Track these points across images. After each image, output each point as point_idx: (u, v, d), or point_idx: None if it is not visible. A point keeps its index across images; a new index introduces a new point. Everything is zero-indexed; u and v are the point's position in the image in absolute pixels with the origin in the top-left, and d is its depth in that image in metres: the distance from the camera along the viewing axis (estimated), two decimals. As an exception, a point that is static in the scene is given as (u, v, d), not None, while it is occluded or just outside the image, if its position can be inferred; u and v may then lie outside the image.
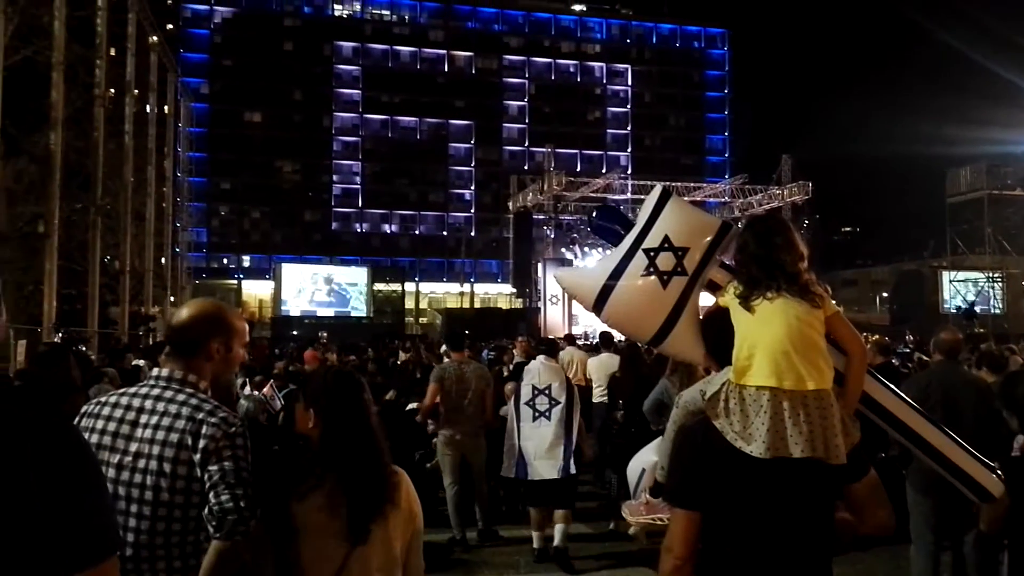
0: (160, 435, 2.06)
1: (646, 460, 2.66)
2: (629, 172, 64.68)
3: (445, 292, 65.85)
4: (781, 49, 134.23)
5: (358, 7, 68.76)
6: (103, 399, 2.19)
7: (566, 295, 28.13)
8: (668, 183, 36.04)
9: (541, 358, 6.59)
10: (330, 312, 37.94)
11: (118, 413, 2.11)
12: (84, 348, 15.02)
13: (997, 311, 42.83)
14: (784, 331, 2.28)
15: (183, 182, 36.06)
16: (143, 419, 2.10)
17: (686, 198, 39.14)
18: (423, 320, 54.80)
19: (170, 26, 60.06)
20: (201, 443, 2.03)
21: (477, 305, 59.68)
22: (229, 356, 2.26)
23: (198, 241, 58.32)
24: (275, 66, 65.65)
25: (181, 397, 2.13)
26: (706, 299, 2.60)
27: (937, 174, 52.32)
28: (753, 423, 2.23)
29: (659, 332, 2.54)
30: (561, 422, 6.12)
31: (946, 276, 43.17)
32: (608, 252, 2.69)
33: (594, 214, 3.05)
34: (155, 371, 2.22)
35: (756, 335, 2.31)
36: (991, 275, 43.25)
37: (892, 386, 2.54)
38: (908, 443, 2.49)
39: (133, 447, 2.07)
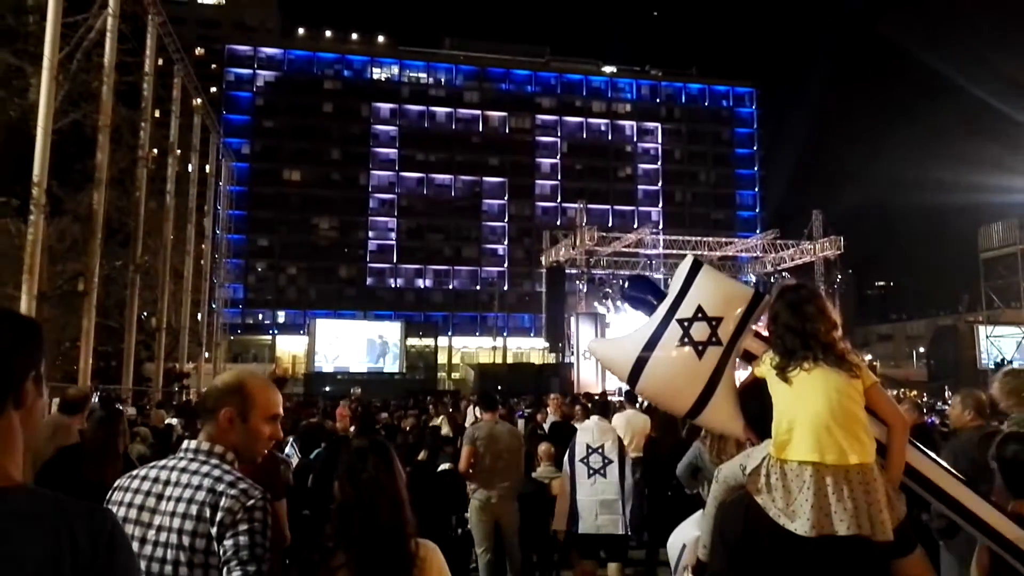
0: (181, 507, 2.04)
1: (687, 535, 2.58)
2: (660, 227, 64.73)
3: (478, 347, 65.77)
4: (810, 104, 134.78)
5: (396, 70, 70.58)
6: (136, 472, 2.18)
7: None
8: (698, 249, 36.32)
9: (595, 418, 6.78)
10: (363, 368, 37.99)
11: (146, 486, 2.11)
12: (120, 406, 15.14)
13: (1033, 367, 41.60)
14: (824, 404, 2.23)
15: (222, 239, 36.77)
16: (167, 491, 2.08)
17: (717, 253, 39.08)
18: (456, 375, 54.67)
19: (214, 89, 62.22)
20: (218, 516, 2.00)
21: (509, 360, 59.51)
22: (247, 428, 2.19)
23: (234, 297, 59.09)
24: (314, 126, 67.30)
25: (205, 469, 2.10)
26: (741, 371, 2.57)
27: (970, 226, 51.67)
28: (796, 499, 2.17)
29: (696, 404, 2.49)
30: (616, 480, 6.27)
31: (983, 331, 42.29)
32: (642, 323, 2.66)
33: (625, 285, 3.04)
34: (184, 443, 2.21)
35: (795, 408, 2.26)
36: (1030, 330, 42.25)
37: (934, 455, 2.48)
38: (954, 514, 2.40)
39: (156, 520, 2.05)
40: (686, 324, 2.48)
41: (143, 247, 20.85)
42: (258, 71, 67.82)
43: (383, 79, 70.03)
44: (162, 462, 2.19)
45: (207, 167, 32.21)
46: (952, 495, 2.38)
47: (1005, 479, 2.57)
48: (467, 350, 64.86)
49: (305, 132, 67.14)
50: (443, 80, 71.41)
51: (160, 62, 23.97)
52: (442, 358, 53.09)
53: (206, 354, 30.35)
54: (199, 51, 66.45)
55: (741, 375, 2.57)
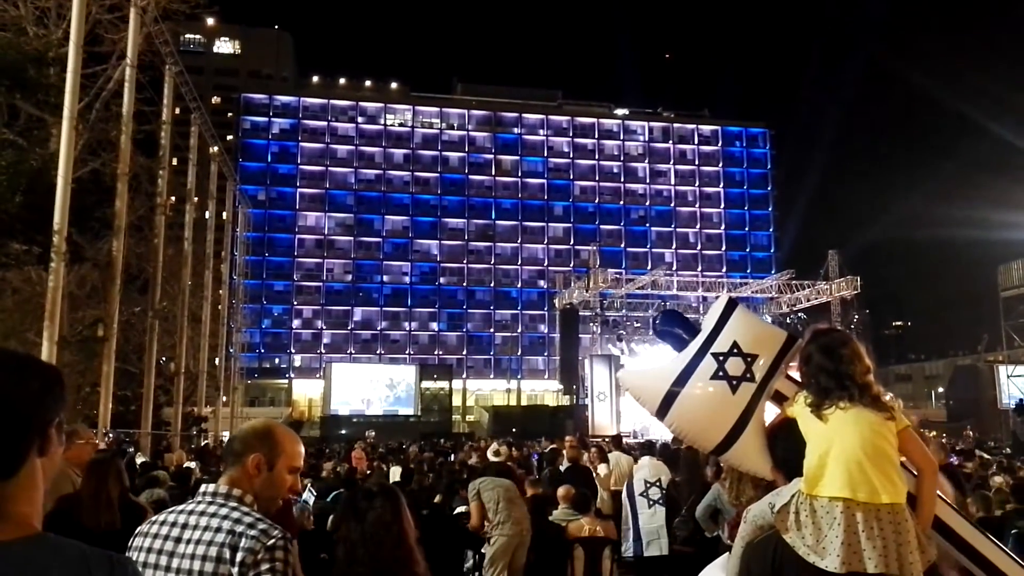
0: (200, 550, 2.03)
1: (713, 579, 2.53)
2: (674, 269, 64.82)
3: (492, 389, 65.59)
4: (824, 144, 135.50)
5: (408, 116, 71.66)
6: (156, 517, 2.19)
7: (614, 392, 27.82)
8: (712, 291, 36.27)
9: (648, 458, 8.05)
10: (379, 411, 37.92)
11: (164, 531, 2.11)
12: (134, 450, 15.15)
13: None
14: (858, 441, 2.24)
15: (238, 285, 37.11)
16: (187, 535, 2.07)
17: (732, 295, 39.24)
18: (470, 418, 54.41)
19: (230, 137, 63.41)
20: (239, 556, 1.98)
21: (524, 402, 59.21)
22: (272, 476, 2.20)
23: (251, 342, 59.39)
24: (328, 173, 68.32)
25: (224, 511, 2.10)
26: (769, 412, 2.56)
27: (987, 264, 51.38)
28: (827, 536, 2.15)
29: (725, 440, 2.47)
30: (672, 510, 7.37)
31: (1003, 371, 41.79)
32: (673, 357, 2.66)
33: (657, 320, 3.07)
34: (202, 487, 2.21)
35: (829, 444, 2.26)
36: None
37: (957, 508, 2.46)
38: (979, 570, 2.37)
39: (175, 563, 2.04)
40: (721, 358, 2.48)
41: (161, 293, 21.04)
42: (273, 119, 69.09)
43: (396, 125, 71.12)
44: (181, 507, 2.19)
45: (224, 214, 32.65)
46: (977, 548, 2.34)
47: None
48: (481, 392, 64.65)
49: (319, 178, 68.15)
50: (456, 125, 72.40)
51: (177, 111, 24.50)
52: (456, 401, 52.93)
53: (224, 398, 30.41)
54: (215, 100, 67.95)
55: (767, 418, 2.56)
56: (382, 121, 70.84)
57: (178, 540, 2.07)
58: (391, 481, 9.59)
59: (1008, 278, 49.30)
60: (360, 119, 70.48)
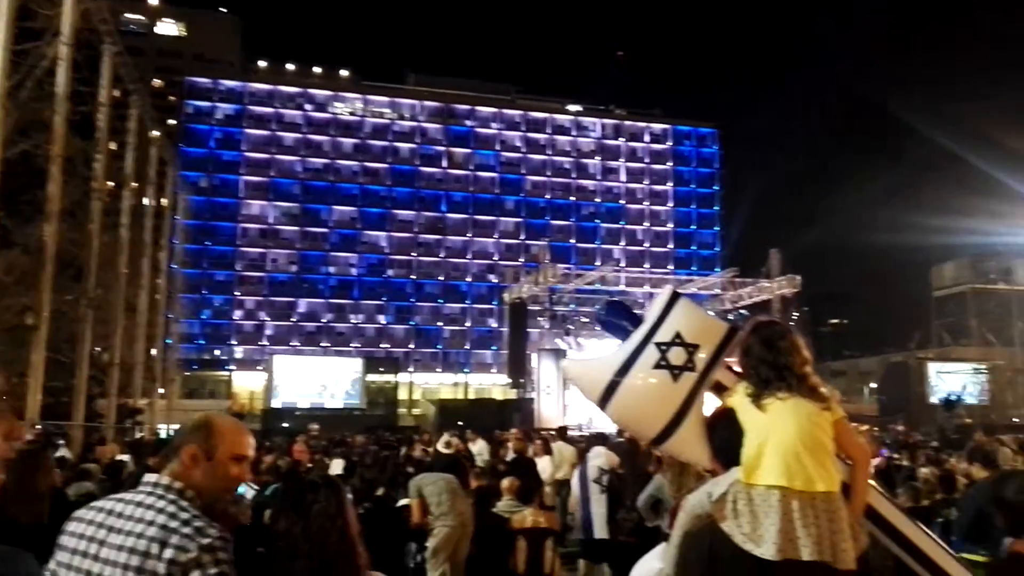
0: (129, 541, 1.93)
1: (650, 568, 2.54)
2: (623, 265, 65.50)
3: (440, 383, 65.39)
4: (771, 145, 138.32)
5: (359, 106, 70.73)
6: (95, 503, 2.10)
7: (561, 386, 27.99)
8: (656, 277, 36.79)
9: (601, 448, 8.34)
10: (322, 404, 37.44)
11: (100, 518, 2.02)
12: (64, 442, 14.66)
13: (983, 402, 42.94)
14: (795, 431, 2.26)
15: (177, 274, 36.19)
16: (119, 524, 1.98)
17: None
18: (417, 411, 54.13)
19: (172, 121, 61.72)
20: (167, 553, 1.89)
21: (471, 396, 59.12)
22: (213, 467, 2.10)
23: (190, 333, 58.12)
24: (274, 161, 67.07)
25: (161, 504, 2.00)
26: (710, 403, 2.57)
27: (922, 266, 53.31)
28: (763, 524, 2.18)
29: (665, 429, 2.48)
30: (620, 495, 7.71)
31: (932, 368, 43.37)
32: (616, 347, 2.66)
33: (602, 310, 3.07)
34: (146, 477, 2.12)
35: (767, 433, 2.28)
36: (977, 367, 43.51)
37: (890, 496, 2.56)
38: (908, 557, 2.41)
39: (104, 553, 1.95)
40: (663, 348, 2.50)
41: (96, 281, 20.35)
42: (218, 104, 67.40)
43: (345, 114, 70.12)
44: (121, 495, 2.11)
45: (163, 200, 31.76)
46: (909, 536, 2.40)
47: (1006, 519, 2.56)
48: (429, 386, 64.36)
49: (265, 166, 66.86)
50: (407, 115, 71.68)
51: (117, 93, 23.70)
52: (403, 394, 52.58)
53: (160, 390, 29.65)
54: (157, 82, 66.06)
55: (707, 408, 2.57)
56: (331, 109, 69.73)
57: (111, 529, 1.99)
58: (332, 474, 9.46)
59: (940, 279, 51.25)
60: (308, 107, 69.24)
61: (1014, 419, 40.05)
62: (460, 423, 24.28)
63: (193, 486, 2.07)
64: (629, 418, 2.59)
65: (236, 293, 65.11)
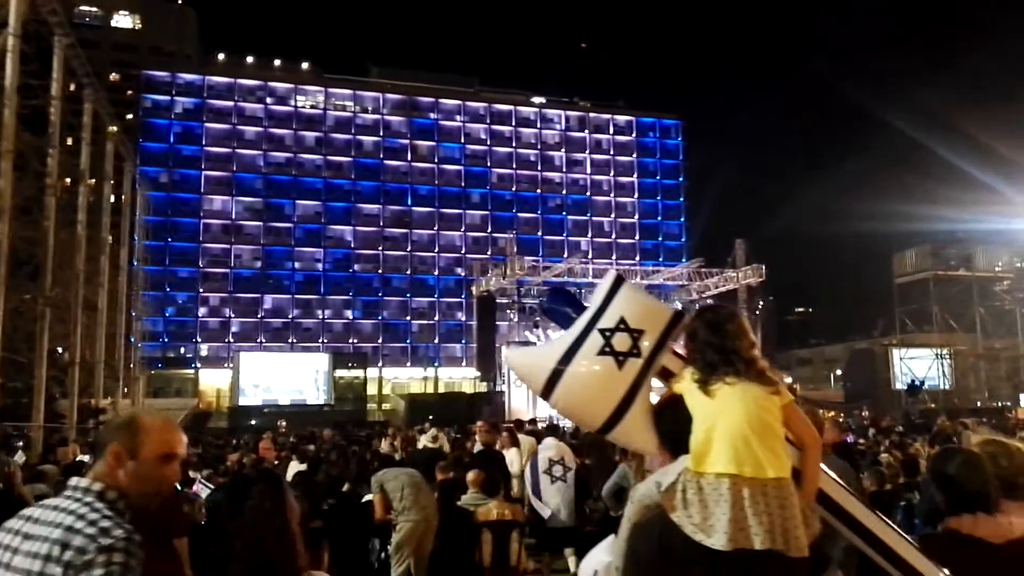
0: (36, 546, 1.86)
1: (599, 561, 2.48)
2: (590, 256, 65.69)
3: (409, 377, 65.12)
4: (735, 136, 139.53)
5: (321, 99, 69.85)
6: (24, 511, 2.02)
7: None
8: (624, 268, 36.93)
9: (552, 439, 8.84)
10: (290, 400, 37.16)
11: (18, 524, 1.96)
12: (22, 444, 14.32)
13: (946, 387, 43.85)
14: (744, 416, 2.21)
15: (138, 271, 35.54)
16: (34, 530, 1.91)
17: (645, 282, 39.83)
18: (386, 406, 53.88)
19: (130, 116, 60.49)
20: (66, 555, 1.81)
21: (441, 389, 58.98)
22: (138, 466, 2.03)
23: (154, 330, 57.19)
24: (236, 155, 66.03)
25: (75, 506, 1.93)
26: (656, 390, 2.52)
27: (885, 254, 54.16)
28: (713, 513, 2.13)
29: (611, 417, 2.42)
30: (573, 484, 8.05)
31: (896, 354, 44.16)
32: (559, 335, 2.60)
33: (544, 298, 3.02)
34: (71, 480, 2.05)
35: (715, 420, 2.24)
36: (939, 352, 44.41)
37: (843, 483, 2.47)
38: (863, 543, 2.38)
39: (15, 560, 1.88)
40: (608, 334, 2.42)
41: (54, 279, 19.92)
42: (176, 97, 66.10)
43: (307, 107, 69.27)
44: (45, 500, 2.05)
45: (123, 197, 31.17)
46: (863, 523, 2.37)
47: (944, 495, 2.56)
48: (398, 381, 64.06)
49: (226, 161, 65.80)
50: (370, 108, 70.93)
51: (73, 88, 23.17)
52: (372, 389, 52.31)
53: (124, 389, 29.14)
54: (113, 76, 64.70)
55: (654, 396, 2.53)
56: (292, 103, 68.69)
57: (26, 536, 1.91)
58: (293, 472, 9.39)
59: (902, 266, 52.08)
60: (269, 100, 68.14)
61: (977, 403, 41.03)
62: (430, 417, 24.24)
63: (117, 487, 2.00)
64: (574, 407, 2.52)
65: (200, 290, 64.03)
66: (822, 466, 2.41)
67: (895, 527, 2.42)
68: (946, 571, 2.36)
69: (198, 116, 66.05)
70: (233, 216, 65.68)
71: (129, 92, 65.21)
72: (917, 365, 42.98)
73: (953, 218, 47.69)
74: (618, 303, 2.51)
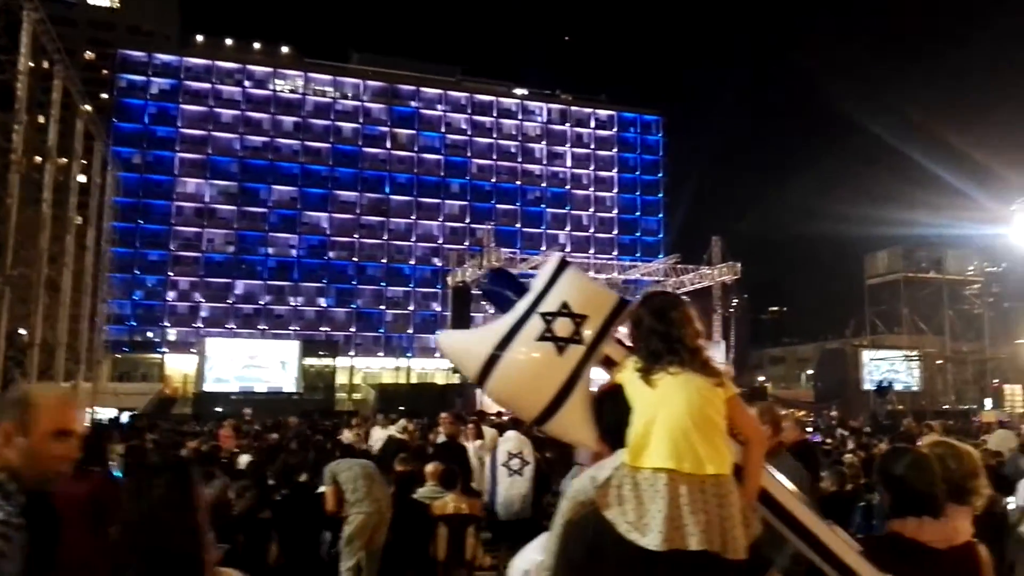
0: None
1: (531, 560, 2.34)
2: (568, 250, 65.66)
3: (381, 367, 64.80)
4: (715, 134, 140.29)
5: (300, 83, 69.20)
6: None
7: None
8: (603, 273, 36.91)
9: (513, 432, 8.45)
10: (258, 388, 36.77)
11: None
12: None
13: (914, 388, 44.43)
14: (685, 408, 2.09)
15: (106, 252, 34.91)
16: None
17: (622, 276, 39.73)
18: (357, 396, 53.56)
19: (104, 95, 59.47)
20: None
21: (414, 380, 58.70)
22: (29, 444, 1.95)
23: (121, 313, 56.42)
24: (212, 138, 65.24)
25: None
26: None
27: (858, 256, 54.75)
28: (649, 511, 1.99)
29: (549, 406, 2.27)
30: (530, 477, 8.03)
31: (866, 355, 44.62)
32: (499, 319, 2.45)
33: (485, 278, 2.87)
34: None
35: (655, 411, 2.10)
36: (908, 354, 44.96)
37: (788, 482, 2.35)
38: (805, 546, 2.26)
39: None
40: (549, 319, 2.30)
41: (15, 258, 19.47)
42: (152, 78, 65.08)
43: (286, 91, 68.48)
44: None
45: (94, 176, 30.58)
46: (805, 524, 2.25)
47: (890, 495, 2.46)
48: (370, 371, 63.72)
49: (201, 143, 64.94)
50: (350, 95, 70.32)
51: (46, 65, 22.67)
52: (343, 379, 51.97)
53: (86, 372, 28.61)
54: (89, 54, 63.58)
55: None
56: (271, 86, 67.94)
57: None
58: (242, 464, 9.25)
59: (873, 267, 52.64)
60: (247, 83, 67.29)
61: (944, 405, 41.55)
62: (401, 408, 24.04)
63: (7, 467, 1.92)
64: (510, 395, 2.38)
65: (170, 273, 63.28)
66: (767, 465, 2.28)
67: (840, 531, 2.31)
68: None
69: (174, 97, 65.16)
70: (207, 199, 64.96)
71: (105, 71, 64.13)
72: (886, 366, 43.45)
73: (925, 222, 48.27)
74: (561, 287, 2.39)
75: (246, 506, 6.95)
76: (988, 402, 40.12)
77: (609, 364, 2.33)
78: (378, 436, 11.82)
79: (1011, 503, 6.01)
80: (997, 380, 43.32)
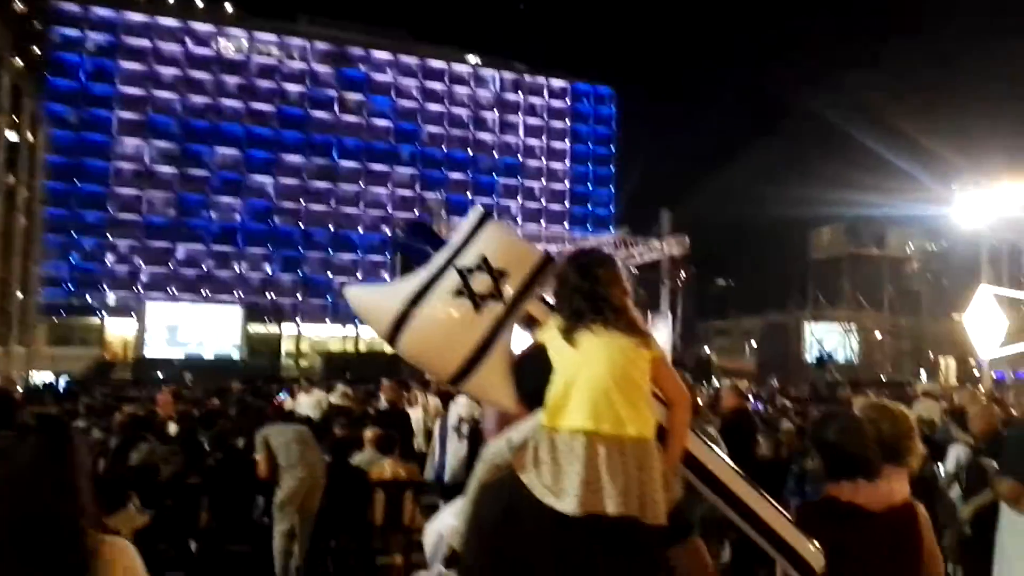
0: None
1: (445, 525, 2.25)
2: (520, 221, 65.62)
3: (329, 335, 64.10)
4: (666, 109, 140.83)
5: (244, 43, 67.20)
6: None
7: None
8: (554, 244, 36.94)
9: (464, 397, 8.15)
10: (201, 354, 36.12)
11: None
12: None
13: (851, 361, 45.86)
14: (607, 367, 2.01)
15: (39, 212, 33.62)
16: None
17: (572, 248, 40.02)
18: (304, 363, 52.97)
19: (37, 50, 56.89)
20: None
21: (362, 348, 58.24)
22: None
23: (57, 276, 54.65)
24: (151, 97, 63.18)
25: None
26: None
27: (803, 233, 55.97)
28: (566, 473, 1.91)
29: (464, 366, 2.16)
30: (467, 441, 7.87)
31: (808, 328, 45.82)
32: (413, 273, 2.33)
33: (402, 231, 2.73)
34: None
35: (575, 371, 2.02)
36: (847, 327, 46.34)
37: (716, 447, 2.31)
38: (731, 512, 2.22)
39: None
40: (466, 273, 2.19)
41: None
42: (89, 33, 62.53)
43: (230, 51, 66.41)
44: None
45: (26, 134, 29.34)
46: (733, 489, 2.21)
47: (824, 461, 2.45)
48: (318, 338, 63.03)
49: (141, 102, 62.88)
50: (297, 56, 68.56)
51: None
52: (290, 346, 51.33)
53: (17, 336, 27.67)
54: (20, 7, 60.64)
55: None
56: (214, 46, 65.88)
57: None
58: (175, 430, 9.06)
59: (818, 243, 53.92)
60: (189, 41, 65.12)
61: (881, 377, 42.97)
62: (348, 375, 23.83)
63: None
64: (423, 354, 2.27)
65: (108, 236, 61.43)
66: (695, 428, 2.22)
67: (765, 494, 2.27)
68: (815, 543, 2.23)
69: (112, 54, 62.75)
70: (147, 161, 63.03)
71: (37, 24, 61.25)
72: (826, 339, 44.68)
73: (869, 201, 49.36)
74: (482, 241, 2.27)
75: (172, 471, 6.81)
76: (923, 374, 41.61)
77: (533, 324, 2.25)
78: (305, 402, 11.61)
79: (942, 469, 6.16)
80: (933, 353, 44.92)
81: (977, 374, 29.26)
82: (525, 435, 2.02)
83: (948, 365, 40.81)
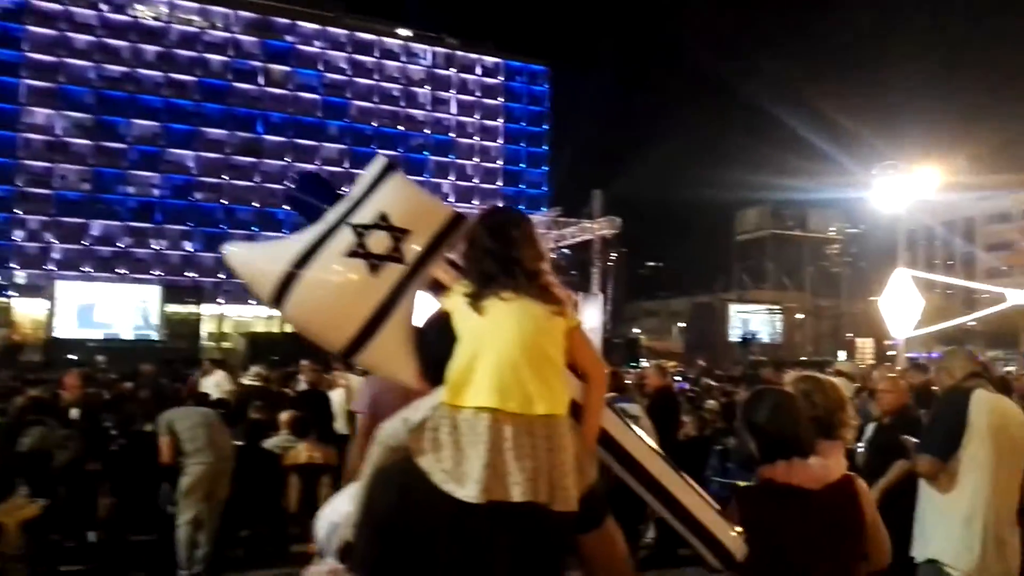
0: None
1: (340, 511, 2.02)
2: (452, 200, 64.99)
3: (254, 315, 62.48)
4: (599, 89, 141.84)
5: (164, 10, 64.47)
6: None
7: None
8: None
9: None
10: (116, 334, 34.72)
11: None
12: None
13: (776, 340, 47.26)
14: (516, 338, 1.79)
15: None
16: None
17: (485, 207, 40.33)
18: (226, 344, 51.47)
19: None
20: None
21: (288, 329, 56.93)
22: None
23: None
24: (63, 65, 60.28)
25: None
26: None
27: (730, 215, 57.26)
28: (468, 457, 1.70)
29: (359, 335, 1.92)
30: None
31: (733, 309, 47.00)
32: (303, 232, 2.07)
33: (294, 183, 2.46)
34: None
35: (481, 341, 1.80)
36: (771, 308, 47.69)
37: (634, 425, 2.13)
38: (648, 494, 2.05)
39: None
40: (361, 231, 1.95)
41: None
42: (-2, -7, 59.30)
43: (148, 18, 63.70)
44: None
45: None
46: (650, 470, 2.04)
47: (757, 442, 2.32)
48: (242, 319, 61.36)
49: (51, 70, 59.93)
50: (220, 25, 66.15)
51: None
52: (212, 327, 49.79)
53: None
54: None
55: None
56: (131, 12, 62.99)
57: None
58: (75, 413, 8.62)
59: (743, 223, 55.20)
60: (104, 7, 62.09)
61: (802, 356, 44.35)
62: (275, 357, 23.18)
63: None
64: (311, 322, 2.02)
65: (17, 211, 58.74)
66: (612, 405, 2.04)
67: (686, 476, 2.10)
68: (738, 528, 2.08)
69: (19, 18, 59.44)
70: (58, 132, 60.29)
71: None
72: (752, 320, 45.83)
73: (793, 184, 50.80)
74: (382, 195, 2.03)
75: (68, 457, 6.39)
76: (842, 354, 43.10)
77: (439, 289, 2.01)
78: (208, 384, 11.13)
79: (860, 447, 6.22)
80: (851, 334, 46.58)
81: (892, 354, 30.40)
82: (424, 414, 1.79)
83: (866, 346, 42.34)
